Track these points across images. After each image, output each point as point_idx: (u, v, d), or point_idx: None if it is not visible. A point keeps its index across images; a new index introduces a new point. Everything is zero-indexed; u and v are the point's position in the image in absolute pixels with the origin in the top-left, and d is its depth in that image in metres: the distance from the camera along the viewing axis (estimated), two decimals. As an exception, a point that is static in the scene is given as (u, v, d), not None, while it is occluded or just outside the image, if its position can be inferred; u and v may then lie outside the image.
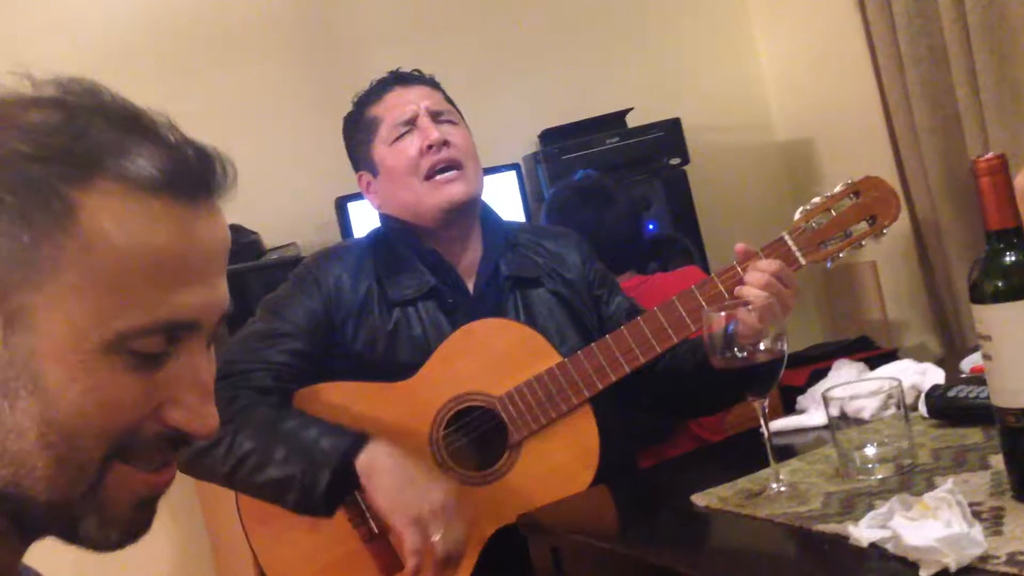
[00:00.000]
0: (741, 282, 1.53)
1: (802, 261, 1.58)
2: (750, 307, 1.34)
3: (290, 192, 2.94)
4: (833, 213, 1.59)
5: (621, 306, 1.84)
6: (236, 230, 2.76)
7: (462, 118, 1.86)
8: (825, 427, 1.55)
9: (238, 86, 3.02)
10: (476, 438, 1.66)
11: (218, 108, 2.99)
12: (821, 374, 3.16)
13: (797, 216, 1.61)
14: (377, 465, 1.48)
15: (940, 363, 1.68)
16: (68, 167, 0.68)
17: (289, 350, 1.67)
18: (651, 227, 3.15)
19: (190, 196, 0.72)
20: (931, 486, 1.21)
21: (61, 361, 0.67)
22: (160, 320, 0.70)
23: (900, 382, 1.37)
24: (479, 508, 1.58)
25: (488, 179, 3.14)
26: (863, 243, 1.61)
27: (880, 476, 1.30)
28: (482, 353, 1.65)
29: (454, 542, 1.44)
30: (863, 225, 1.59)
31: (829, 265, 1.61)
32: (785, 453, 1.49)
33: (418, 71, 1.86)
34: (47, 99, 0.71)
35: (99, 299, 0.67)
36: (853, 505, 1.22)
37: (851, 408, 1.41)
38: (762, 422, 1.32)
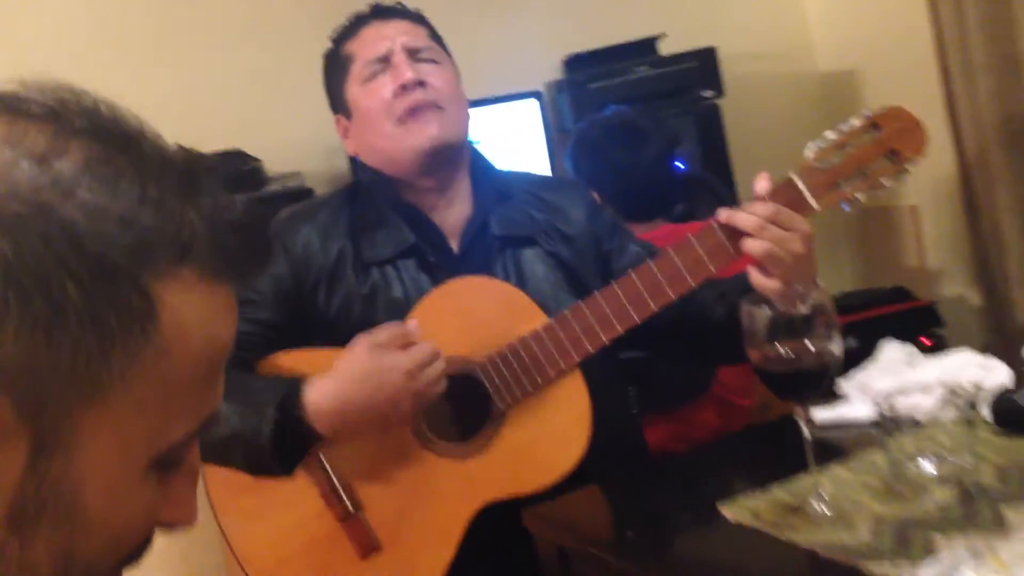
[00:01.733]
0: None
1: (814, 205, 1.41)
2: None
3: (295, 114, 2.74)
4: (850, 149, 1.40)
5: (637, 255, 1.68)
6: (236, 156, 2.59)
7: (448, 56, 1.68)
8: (872, 424, 1.39)
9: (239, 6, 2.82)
10: (457, 407, 1.52)
11: (219, 19, 2.80)
12: (855, 328, 3.04)
13: (808, 154, 1.43)
14: (323, 391, 1.38)
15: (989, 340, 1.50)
16: (154, 251, 0.53)
17: (253, 319, 1.53)
18: (680, 166, 2.94)
19: (241, 274, 0.60)
20: (998, 520, 1.05)
21: (107, 488, 0.55)
22: (203, 420, 0.59)
23: (967, 385, 1.20)
24: (460, 482, 1.47)
25: (507, 107, 3.02)
26: (884, 181, 1.41)
27: (938, 500, 1.13)
28: (461, 315, 1.52)
29: (436, 372, 1.41)
30: (883, 162, 1.41)
31: (846, 208, 1.43)
32: (827, 453, 1.33)
33: (400, 3, 1.67)
34: (85, 144, 0.55)
35: (159, 412, 0.55)
36: (908, 539, 1.06)
37: (902, 404, 1.25)
38: (803, 428, 1.15)
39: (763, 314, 1.10)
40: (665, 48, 3.13)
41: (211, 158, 0.60)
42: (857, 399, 1.46)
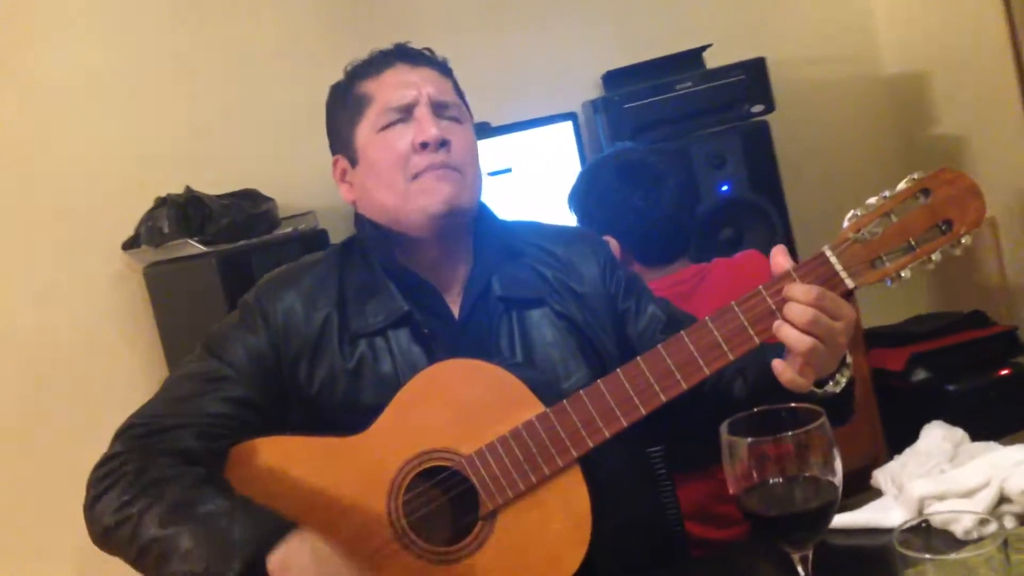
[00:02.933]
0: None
1: (849, 284, 1.22)
2: (787, 354, 1.14)
3: (308, 151, 2.61)
4: (893, 219, 1.21)
5: (655, 319, 1.51)
6: (249, 196, 2.48)
7: (470, 116, 1.52)
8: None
9: (255, 33, 2.72)
10: (445, 505, 1.36)
11: (234, 58, 2.69)
12: (924, 359, 2.79)
13: (846, 224, 1.23)
14: (292, 565, 1.20)
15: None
16: None
17: (228, 398, 1.39)
18: (725, 188, 2.73)
19: None
20: None
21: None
22: None
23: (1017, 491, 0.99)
24: None
25: (539, 132, 2.85)
26: (934, 257, 1.21)
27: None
28: (448, 402, 1.36)
29: None
30: (934, 233, 1.21)
31: (890, 284, 1.23)
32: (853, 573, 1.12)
33: (429, 50, 1.51)
34: None
35: None
36: None
37: (939, 516, 1.04)
38: (801, 573, 0.95)
39: (743, 443, 0.91)
40: (713, 59, 2.91)
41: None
42: (891, 499, 1.25)
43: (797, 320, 1.17)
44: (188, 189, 2.43)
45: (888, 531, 1.22)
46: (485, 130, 2.72)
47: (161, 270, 2.49)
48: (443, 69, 1.51)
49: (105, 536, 1.30)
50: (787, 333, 1.18)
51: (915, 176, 1.22)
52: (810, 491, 0.91)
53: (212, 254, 2.28)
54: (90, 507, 1.31)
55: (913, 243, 1.20)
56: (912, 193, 1.21)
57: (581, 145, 2.79)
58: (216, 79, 2.69)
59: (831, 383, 1.25)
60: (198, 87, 2.66)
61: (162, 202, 2.42)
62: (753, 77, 2.80)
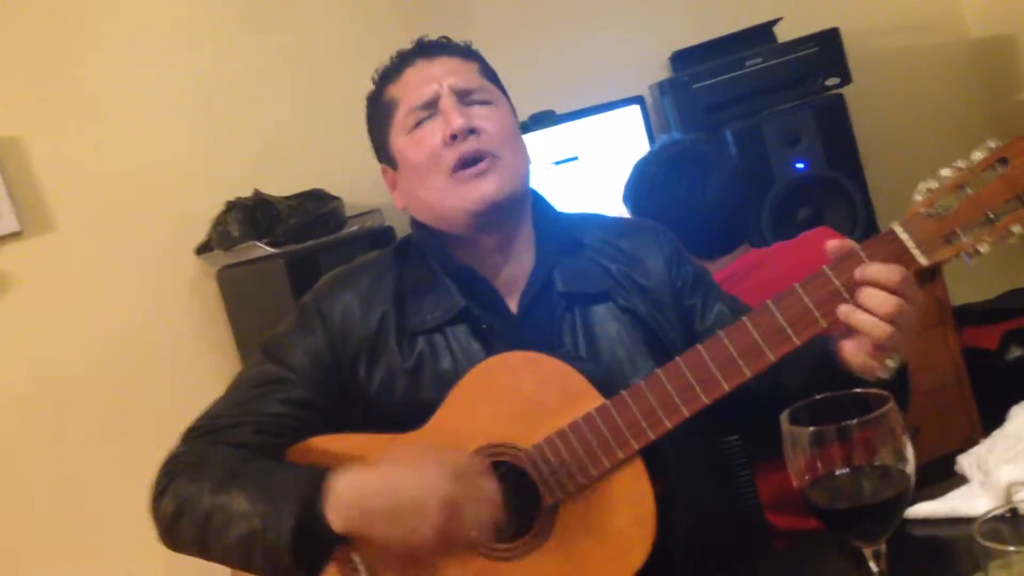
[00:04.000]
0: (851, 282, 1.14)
1: (922, 261, 1.14)
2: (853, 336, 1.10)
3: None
4: (969, 191, 1.13)
5: (722, 315, 1.45)
6: (315, 196, 2.48)
7: (503, 93, 1.48)
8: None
9: (315, 37, 2.73)
10: (505, 500, 1.33)
11: (295, 62, 2.71)
12: (1019, 336, 2.65)
13: (917, 198, 1.15)
14: (348, 483, 1.21)
15: None
16: None
17: (287, 399, 1.38)
18: (800, 166, 2.64)
19: None
20: None
21: None
22: None
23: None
24: None
25: (606, 117, 2.79)
26: (1014, 229, 1.12)
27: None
28: (505, 395, 1.32)
29: (483, 515, 1.20)
30: (1013, 204, 1.12)
31: (967, 261, 1.14)
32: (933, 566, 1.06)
33: (446, 38, 1.48)
34: None
35: None
36: None
37: (1021, 499, 0.97)
38: (873, 568, 0.89)
39: (805, 433, 0.85)
40: (783, 34, 2.82)
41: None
42: (977, 485, 1.17)
43: (879, 308, 1.10)
44: (256, 192, 2.44)
45: (973, 521, 1.15)
46: (550, 118, 2.68)
47: (233, 273, 2.51)
48: (465, 53, 1.47)
49: (170, 529, 1.31)
50: (862, 319, 1.11)
51: (991, 145, 1.13)
52: (880, 481, 0.84)
53: (280, 255, 2.29)
54: (155, 505, 1.32)
55: (991, 216, 1.12)
56: (989, 163, 1.12)
57: (650, 129, 2.72)
58: (279, 83, 2.70)
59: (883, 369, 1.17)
60: (262, 92, 2.68)
61: (231, 206, 2.44)
62: (827, 49, 2.70)
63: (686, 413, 1.25)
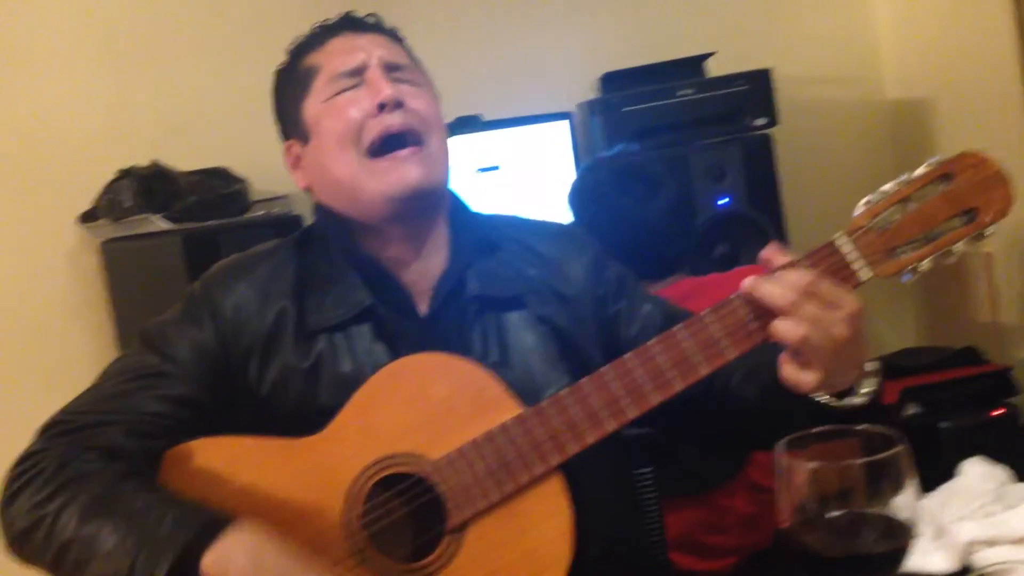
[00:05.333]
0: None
1: (863, 275, 1.11)
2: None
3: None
4: (913, 205, 1.10)
5: (651, 318, 1.37)
6: (219, 175, 2.32)
7: (429, 81, 1.38)
8: (946, 579, 1.05)
9: (233, 4, 2.55)
10: (409, 517, 1.22)
11: (210, 29, 2.54)
12: (916, 394, 2.68)
13: (859, 210, 1.11)
14: (231, 564, 1.05)
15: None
16: None
17: (166, 396, 1.24)
18: (724, 201, 2.61)
19: None
20: None
21: None
22: None
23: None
24: None
25: (533, 129, 2.71)
26: (953, 249, 1.10)
27: None
28: (413, 401, 1.22)
29: None
30: (955, 223, 1.10)
31: (906, 279, 1.11)
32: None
33: (374, 15, 1.38)
34: None
35: None
36: None
37: (987, 561, 0.91)
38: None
39: (804, 468, 0.77)
40: (714, 68, 2.81)
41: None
42: (928, 541, 1.11)
43: (777, 304, 1.06)
44: (154, 163, 2.26)
45: (927, 578, 1.09)
46: (476, 123, 2.60)
47: (120, 247, 2.32)
48: (393, 35, 1.39)
49: (19, 541, 1.14)
50: (777, 325, 1.06)
51: (935, 160, 1.10)
52: (880, 530, 0.76)
53: (177, 232, 2.13)
54: (4, 510, 1.15)
55: (933, 233, 1.09)
56: (932, 178, 1.09)
57: (576, 146, 2.66)
58: (190, 50, 2.53)
59: (854, 396, 1.12)
60: (170, 57, 2.51)
61: (125, 174, 2.25)
62: (757, 88, 2.69)
63: (612, 427, 1.16)
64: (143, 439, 1.21)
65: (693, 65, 2.80)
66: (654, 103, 2.65)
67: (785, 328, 1.06)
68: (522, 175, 2.63)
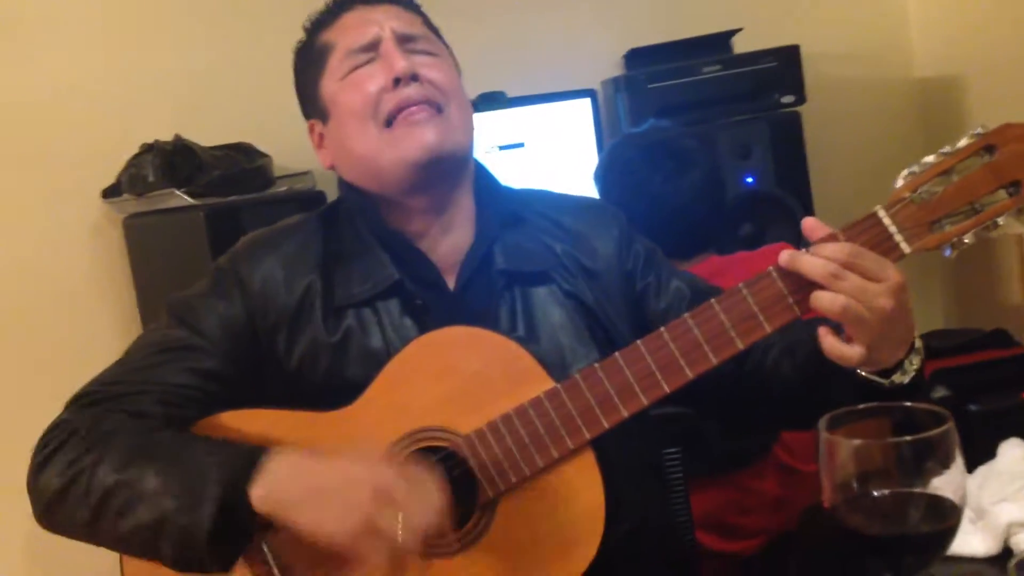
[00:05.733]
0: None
1: (905, 248, 1.09)
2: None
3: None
4: (955, 178, 1.08)
5: (680, 293, 1.36)
6: (243, 150, 2.30)
7: (447, 49, 1.37)
8: (989, 560, 1.03)
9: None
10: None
11: (238, 5, 2.51)
12: (945, 375, 2.65)
13: (899, 183, 1.09)
14: (280, 491, 1.06)
15: None
16: None
17: (194, 368, 1.24)
18: (750, 180, 2.58)
19: None
20: None
21: None
22: None
23: None
24: None
25: (556, 107, 2.68)
26: (999, 221, 1.08)
27: None
28: (444, 375, 1.21)
29: (420, 520, 1.03)
30: (1000, 195, 1.08)
31: (948, 253, 1.09)
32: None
33: None
34: None
35: None
36: None
37: (1019, 540, 0.89)
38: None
39: (848, 445, 0.74)
40: (741, 45, 2.76)
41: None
42: (967, 523, 1.09)
43: (818, 274, 1.04)
44: (177, 137, 2.25)
45: (966, 559, 1.07)
46: (499, 100, 2.57)
47: (143, 222, 2.31)
48: (407, 4, 1.36)
49: (53, 505, 1.14)
50: (816, 295, 1.05)
51: (979, 131, 1.08)
52: (928, 509, 0.74)
53: (200, 207, 2.11)
54: (34, 477, 1.15)
55: (976, 205, 1.07)
56: (975, 150, 1.07)
57: (599, 124, 2.63)
58: (214, 24, 2.51)
59: (899, 372, 1.10)
60: (194, 30, 2.49)
61: (148, 148, 2.24)
62: (785, 65, 2.64)
63: (645, 401, 1.16)
64: (173, 408, 1.21)
65: (720, 42, 2.75)
66: (680, 80, 2.61)
67: (826, 299, 1.04)
68: (545, 152, 2.60)
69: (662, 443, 1.62)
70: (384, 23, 1.29)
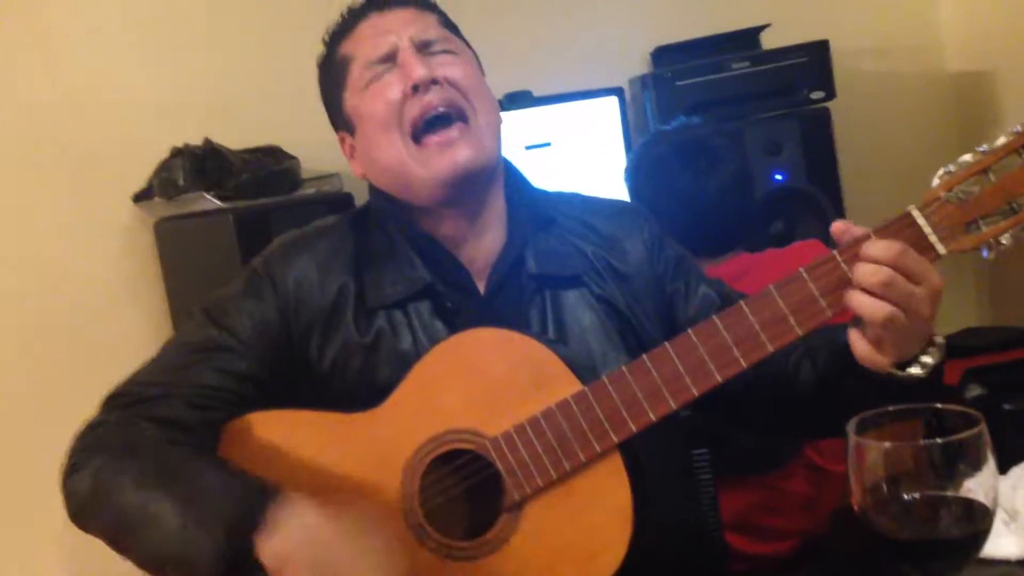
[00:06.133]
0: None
1: (940, 249, 1.06)
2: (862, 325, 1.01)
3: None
4: (992, 177, 1.05)
5: (708, 299, 1.35)
6: (271, 153, 2.32)
7: (467, 46, 1.36)
8: (1022, 563, 1.01)
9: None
10: (465, 493, 1.22)
11: (264, 6, 2.52)
12: (978, 374, 2.61)
13: (936, 182, 1.07)
14: (287, 545, 1.04)
15: None
16: None
17: (226, 370, 1.24)
18: (779, 177, 2.56)
19: None
20: None
21: None
22: None
23: None
24: None
25: (583, 105, 2.67)
26: None
27: None
28: (472, 376, 1.21)
29: None
30: None
31: (986, 255, 1.07)
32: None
33: None
34: None
35: None
36: None
37: None
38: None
39: (878, 448, 0.73)
40: (769, 41, 2.74)
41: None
42: (1000, 524, 1.07)
43: (869, 281, 1.01)
44: (207, 141, 2.27)
45: (999, 562, 1.05)
46: (526, 99, 2.56)
47: (174, 225, 2.33)
48: (422, 4, 1.36)
49: (84, 510, 1.16)
50: (859, 300, 1.02)
51: (1018, 128, 1.05)
52: (959, 513, 0.73)
53: (229, 211, 2.12)
54: (67, 478, 1.17)
55: (1015, 205, 1.05)
56: (1014, 148, 1.04)
57: (626, 123, 2.62)
58: (243, 28, 2.53)
59: (916, 366, 1.08)
60: (223, 34, 2.50)
61: (178, 152, 2.26)
62: (814, 61, 2.61)
63: (673, 405, 1.15)
64: (203, 411, 1.22)
65: (748, 38, 2.73)
66: (708, 77, 2.59)
67: (869, 306, 1.02)
68: (573, 152, 2.59)
69: (691, 444, 1.61)
70: (400, 30, 1.29)
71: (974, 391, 2.54)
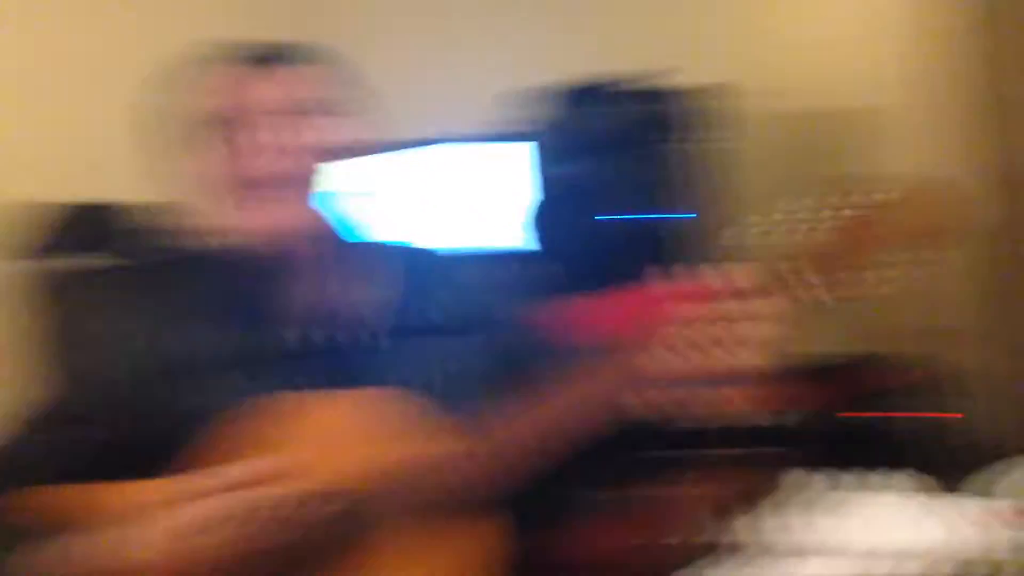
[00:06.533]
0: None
1: (799, 296, 1.13)
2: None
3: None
4: (841, 224, 1.12)
5: (528, 353, 1.37)
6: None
7: (334, 107, 1.33)
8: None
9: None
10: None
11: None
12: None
13: (792, 230, 1.14)
14: None
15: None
16: None
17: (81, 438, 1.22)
18: (672, 216, 2.59)
19: None
20: None
21: None
22: None
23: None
24: None
25: (475, 150, 2.56)
26: (890, 273, 1.11)
27: None
28: (325, 435, 1.21)
29: None
30: (899, 249, 1.11)
31: (808, 309, 1.13)
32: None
33: (281, 46, 1.31)
34: None
35: None
36: None
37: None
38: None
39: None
40: (661, 81, 2.75)
41: None
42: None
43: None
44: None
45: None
46: (405, 145, 2.56)
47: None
48: (299, 61, 1.32)
49: None
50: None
51: (876, 185, 1.11)
52: None
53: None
54: None
55: (872, 260, 1.10)
56: (870, 203, 1.11)
57: (520, 169, 2.59)
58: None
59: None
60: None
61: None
62: (704, 102, 2.66)
63: (535, 456, 1.18)
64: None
65: (640, 80, 2.73)
66: (600, 118, 2.57)
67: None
68: (461, 199, 2.58)
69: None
70: (260, 92, 1.26)
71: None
